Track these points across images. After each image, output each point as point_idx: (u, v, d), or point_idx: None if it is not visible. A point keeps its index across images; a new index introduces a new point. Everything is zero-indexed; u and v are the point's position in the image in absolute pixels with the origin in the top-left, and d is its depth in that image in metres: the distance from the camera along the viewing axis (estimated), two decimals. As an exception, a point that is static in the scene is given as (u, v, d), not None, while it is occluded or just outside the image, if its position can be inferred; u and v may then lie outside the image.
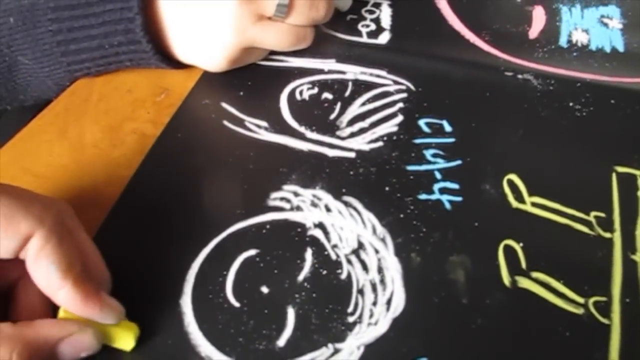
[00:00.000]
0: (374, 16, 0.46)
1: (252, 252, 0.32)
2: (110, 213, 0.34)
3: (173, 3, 0.39)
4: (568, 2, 0.47)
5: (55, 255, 0.26)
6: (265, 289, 0.31)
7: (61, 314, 0.28)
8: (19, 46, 0.41)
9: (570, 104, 0.39)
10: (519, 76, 0.41)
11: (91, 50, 0.40)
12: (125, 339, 0.29)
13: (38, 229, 0.26)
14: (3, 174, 0.36)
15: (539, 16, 0.45)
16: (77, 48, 0.40)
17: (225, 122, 0.39)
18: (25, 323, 0.26)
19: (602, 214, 0.34)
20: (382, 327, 0.30)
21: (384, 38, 0.44)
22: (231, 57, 0.41)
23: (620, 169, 0.36)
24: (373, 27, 0.45)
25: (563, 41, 0.44)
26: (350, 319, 0.30)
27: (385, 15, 0.46)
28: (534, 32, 0.44)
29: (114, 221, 0.34)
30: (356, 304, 0.31)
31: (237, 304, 0.31)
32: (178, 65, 0.42)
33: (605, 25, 0.45)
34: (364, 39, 0.44)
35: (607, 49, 0.43)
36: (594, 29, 0.44)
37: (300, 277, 0.31)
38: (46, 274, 0.26)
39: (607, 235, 0.33)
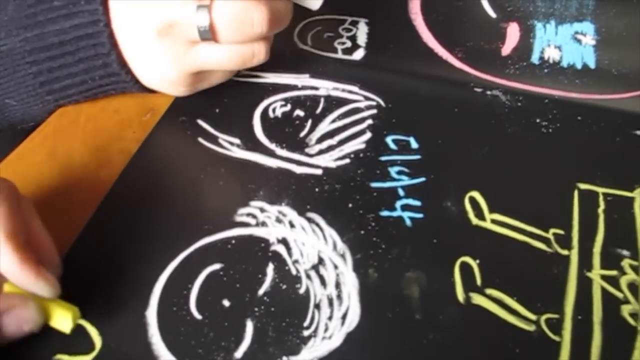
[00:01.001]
0: (350, 34, 0.47)
1: (216, 266, 0.34)
2: (86, 227, 0.36)
3: (126, 38, 0.40)
4: (543, 19, 0.47)
5: (3, 220, 0.28)
6: (226, 302, 0.32)
7: (5, 288, 0.30)
8: (4, 90, 0.42)
9: (537, 121, 0.40)
10: (488, 92, 0.42)
11: (76, 85, 0.41)
12: (64, 319, 0.30)
13: None
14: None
15: (513, 33, 0.46)
16: (62, 86, 0.41)
17: (200, 139, 0.40)
18: None
19: (561, 231, 0.35)
20: (336, 341, 0.31)
21: (358, 54, 0.45)
22: (184, 83, 0.41)
23: (583, 186, 0.37)
24: (349, 44, 0.46)
25: (535, 58, 0.44)
26: (306, 333, 0.31)
27: (362, 32, 0.47)
28: (507, 49, 0.45)
29: (89, 234, 0.35)
30: (312, 318, 0.32)
31: (199, 317, 0.32)
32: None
33: (579, 41, 0.45)
34: (339, 55, 0.45)
35: (579, 66, 0.44)
36: (567, 46, 0.45)
37: (261, 292, 0.33)
38: None
39: (565, 252, 0.34)
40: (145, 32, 0.38)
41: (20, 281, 0.29)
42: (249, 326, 0.31)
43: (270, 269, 0.34)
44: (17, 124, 0.45)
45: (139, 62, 0.41)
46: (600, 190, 0.37)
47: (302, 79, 0.43)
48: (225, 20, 0.37)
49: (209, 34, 0.38)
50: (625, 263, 0.33)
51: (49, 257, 0.31)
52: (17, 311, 0.29)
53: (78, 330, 0.31)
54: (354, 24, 0.48)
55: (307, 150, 0.39)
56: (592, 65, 0.44)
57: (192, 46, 0.39)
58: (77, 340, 0.31)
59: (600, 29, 0.46)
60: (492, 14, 0.48)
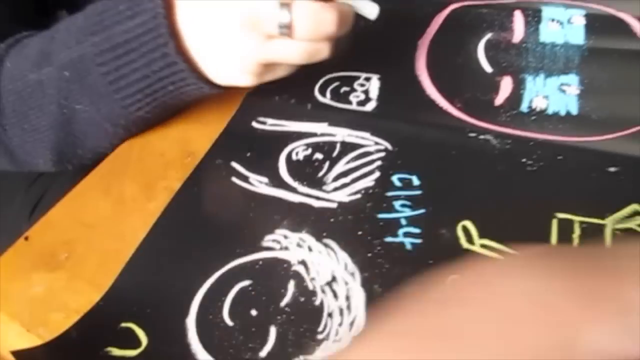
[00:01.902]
0: (364, 88, 0.54)
1: (246, 282, 0.40)
2: (136, 251, 0.43)
3: (193, 32, 0.45)
4: (533, 72, 0.54)
5: None
6: (254, 312, 0.39)
7: None
8: (75, 96, 0.48)
9: (523, 160, 0.46)
10: (481, 137, 0.48)
11: (138, 81, 0.46)
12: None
13: None
14: (58, 224, 0.46)
15: (506, 85, 0.53)
16: (127, 82, 0.46)
17: (234, 178, 0.47)
18: None
19: (541, 254, 0.41)
20: (345, 343, 0.37)
21: (370, 106, 0.52)
22: (255, 72, 0.47)
23: (561, 215, 0.42)
24: (362, 97, 0.53)
25: (524, 106, 0.51)
26: (320, 337, 0.37)
27: (374, 87, 0.54)
28: (499, 99, 0.51)
29: (139, 257, 0.42)
30: (325, 325, 0.38)
31: (231, 323, 0.38)
32: (216, 87, 0.48)
33: (564, 91, 0.52)
34: (354, 107, 0.52)
35: (562, 113, 0.50)
36: (553, 95, 0.51)
37: (283, 303, 0.39)
38: None
39: (543, 271, 0.40)
40: (226, 25, 0.44)
41: None
42: (272, 331, 0.38)
43: (291, 285, 0.40)
44: (79, 148, 0.50)
45: (212, 52, 0.46)
46: (577, 218, 0.42)
47: (321, 127, 0.51)
48: (303, 19, 0.43)
49: (287, 30, 0.43)
50: (595, 280, 0.39)
51: None
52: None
53: (127, 331, 0.38)
54: (368, 79, 0.55)
55: (324, 187, 0.46)
56: (574, 112, 0.50)
57: (268, 39, 0.44)
58: (126, 338, 0.38)
59: (584, 80, 0.52)
60: (488, 69, 0.55)
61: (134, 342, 0.38)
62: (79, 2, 0.57)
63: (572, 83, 0.52)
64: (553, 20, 0.59)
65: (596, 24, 0.58)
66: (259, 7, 0.43)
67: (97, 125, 0.49)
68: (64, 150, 0.51)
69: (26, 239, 0.44)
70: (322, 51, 0.46)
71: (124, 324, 0.39)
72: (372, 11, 0.49)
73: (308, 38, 0.45)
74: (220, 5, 0.45)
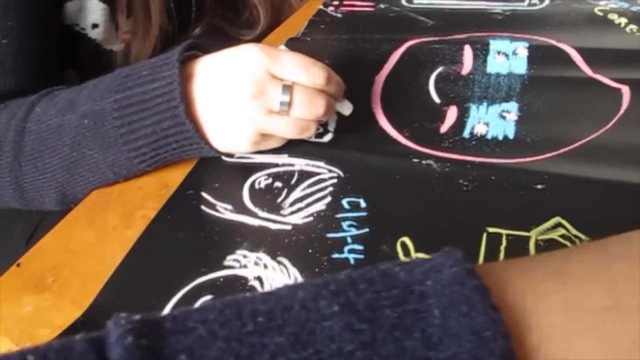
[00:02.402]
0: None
1: (208, 297, 0.46)
2: (115, 272, 0.49)
3: (203, 98, 0.53)
4: (477, 101, 0.59)
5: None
6: (213, 323, 0.44)
7: None
8: (88, 142, 0.54)
9: (460, 181, 0.51)
10: (424, 162, 0.53)
11: (146, 136, 0.53)
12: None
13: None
14: (47, 251, 0.52)
15: (451, 114, 0.58)
16: (136, 137, 0.53)
17: (202, 207, 0.53)
18: None
19: (469, 264, 0.45)
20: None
21: (327, 137, 0.58)
22: (254, 140, 0.54)
23: (491, 229, 0.47)
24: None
25: (466, 133, 0.56)
26: (269, 342, 0.42)
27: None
28: (444, 127, 0.57)
29: (117, 277, 0.48)
30: (274, 332, 0.43)
31: (192, 334, 0.44)
32: (213, 150, 0.55)
33: (504, 117, 0.57)
34: (312, 139, 0.58)
35: (500, 137, 0.55)
36: (493, 122, 0.56)
37: (238, 314, 0.44)
38: None
39: (470, 279, 0.44)
40: (237, 94, 0.52)
41: None
42: (228, 339, 0.43)
43: (246, 298, 0.45)
44: (80, 194, 0.57)
45: (219, 119, 0.53)
46: (504, 231, 0.47)
47: (282, 158, 0.56)
48: (301, 100, 0.52)
49: (286, 108, 0.52)
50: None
51: None
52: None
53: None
54: (327, 113, 0.61)
55: (281, 212, 0.51)
56: (511, 136, 0.55)
57: (268, 114, 0.53)
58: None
59: (523, 106, 0.58)
60: (436, 99, 0.60)
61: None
62: (80, 63, 0.67)
63: (512, 110, 0.58)
64: (499, 52, 0.64)
65: (538, 54, 0.63)
66: (268, 84, 0.52)
67: (101, 172, 0.56)
68: (67, 192, 0.57)
69: (18, 265, 0.50)
70: (311, 128, 0.55)
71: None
72: (347, 110, 0.58)
73: (300, 116, 0.53)
74: (236, 77, 0.53)
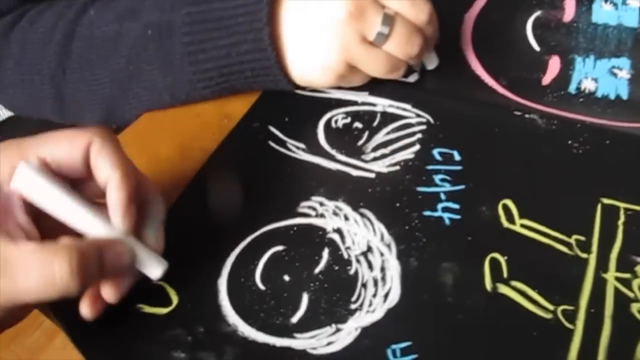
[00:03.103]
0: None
1: (280, 247, 0.40)
2: (170, 209, 0.42)
3: (292, 19, 0.46)
4: (583, 53, 0.52)
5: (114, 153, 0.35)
6: (287, 277, 0.38)
7: None
8: (148, 55, 0.47)
9: (569, 142, 0.45)
10: (526, 116, 0.47)
11: (218, 59, 0.46)
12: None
13: (95, 137, 0.34)
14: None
15: (554, 65, 0.51)
16: (205, 57, 0.46)
17: (270, 142, 0.47)
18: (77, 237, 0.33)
19: (583, 238, 0.39)
20: (378, 314, 0.36)
21: (413, 77, 0.51)
22: (339, 71, 0.46)
23: (606, 201, 0.41)
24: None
25: (572, 88, 0.49)
26: (353, 307, 0.37)
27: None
28: (547, 79, 0.50)
29: (173, 216, 0.42)
30: (359, 295, 0.37)
31: (262, 287, 0.38)
32: (291, 83, 0.48)
33: (615, 75, 0.50)
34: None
35: (612, 97, 0.48)
36: (603, 78, 0.50)
37: (316, 271, 0.39)
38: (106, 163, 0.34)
39: (584, 255, 0.39)
40: (335, 11, 0.44)
41: (112, 204, 0.35)
42: (305, 298, 0.37)
43: (325, 253, 0.39)
44: (127, 113, 0.50)
45: (302, 47, 0.46)
46: (622, 205, 0.41)
47: (362, 96, 0.49)
48: (400, 34, 0.45)
49: (382, 39, 0.45)
50: (639, 268, 0.38)
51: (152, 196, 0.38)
52: (116, 248, 0.34)
53: (158, 289, 0.38)
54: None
55: (363, 157, 0.45)
56: (624, 96, 0.48)
57: (361, 42, 0.45)
58: (157, 296, 0.38)
59: (636, 64, 0.51)
60: (536, 47, 0.53)
61: (165, 301, 0.38)
62: None
63: (623, 67, 0.51)
64: (607, 0, 0.57)
65: (651, 7, 0.56)
66: (369, 7, 0.44)
67: (157, 92, 0.49)
68: (114, 109, 0.50)
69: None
70: (401, 69, 0.48)
71: (155, 282, 0.39)
72: (432, 64, 0.51)
73: (397, 53, 0.46)
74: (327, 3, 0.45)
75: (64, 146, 0.34)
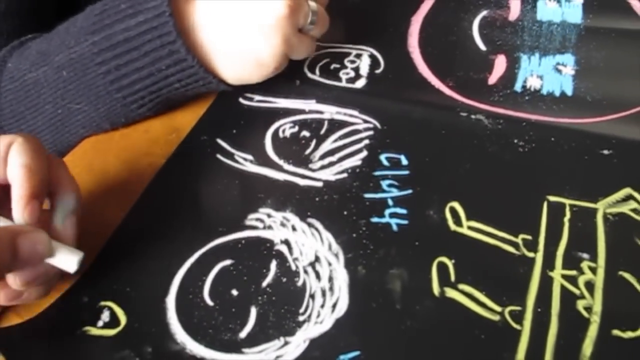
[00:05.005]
0: (354, 65, 0.53)
1: (228, 262, 0.39)
2: (118, 227, 0.42)
3: (217, 23, 0.45)
4: (528, 51, 0.52)
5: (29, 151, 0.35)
6: (235, 292, 0.38)
7: None
8: (72, 96, 0.46)
9: (515, 141, 0.45)
10: (472, 116, 0.47)
11: (142, 79, 0.45)
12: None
13: (17, 138, 0.35)
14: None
15: (500, 64, 0.51)
16: (130, 81, 0.45)
17: (218, 155, 0.46)
18: None
19: (530, 237, 0.40)
20: (326, 325, 0.36)
21: (360, 83, 0.51)
22: (279, 63, 0.47)
23: (552, 198, 0.41)
24: (352, 74, 0.52)
25: (518, 86, 0.49)
26: (301, 318, 0.37)
27: (364, 64, 0.53)
28: (493, 79, 0.50)
29: (120, 234, 0.41)
30: (307, 307, 0.37)
31: (211, 303, 0.37)
32: (223, 83, 0.48)
33: (560, 71, 0.50)
34: (343, 84, 0.51)
35: (557, 93, 0.49)
36: (548, 75, 0.50)
37: (264, 284, 0.38)
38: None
39: (531, 254, 0.39)
40: (270, 9, 0.45)
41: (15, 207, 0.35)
42: (253, 312, 0.37)
43: (273, 265, 0.39)
44: (77, 140, 0.49)
45: (233, 47, 0.46)
46: (567, 201, 0.41)
47: (309, 104, 0.49)
48: (322, 20, 0.49)
49: (312, 27, 0.48)
50: (585, 265, 0.38)
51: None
52: (30, 234, 0.33)
53: (106, 309, 0.38)
54: (358, 56, 0.54)
55: (310, 165, 0.45)
56: (569, 92, 0.49)
57: (296, 33, 0.47)
58: (105, 317, 0.37)
59: (580, 60, 0.51)
60: (482, 47, 0.53)
61: (113, 322, 0.37)
62: None
63: (568, 63, 0.51)
64: (550, -2, 0.57)
65: (594, 2, 0.57)
66: (301, 1, 0.47)
67: (95, 124, 0.48)
68: (61, 149, 0.50)
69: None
70: (314, 48, 0.51)
71: (103, 303, 0.38)
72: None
73: (317, 36, 0.50)
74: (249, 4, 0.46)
75: None
